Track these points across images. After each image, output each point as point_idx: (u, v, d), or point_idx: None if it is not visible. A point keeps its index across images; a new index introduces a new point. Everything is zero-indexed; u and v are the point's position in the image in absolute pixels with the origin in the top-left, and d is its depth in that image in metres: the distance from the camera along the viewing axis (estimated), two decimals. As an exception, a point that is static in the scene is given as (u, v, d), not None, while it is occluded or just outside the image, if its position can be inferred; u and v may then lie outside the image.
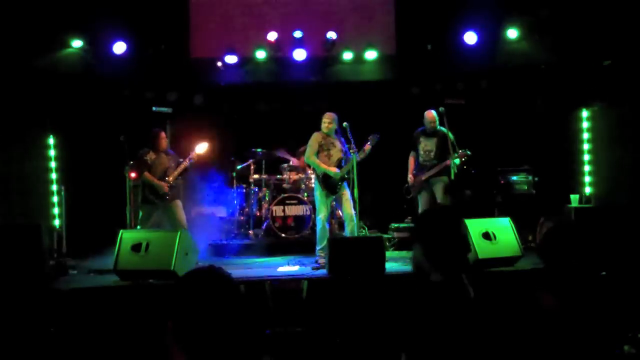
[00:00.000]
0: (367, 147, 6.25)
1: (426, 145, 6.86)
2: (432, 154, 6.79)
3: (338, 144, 6.37)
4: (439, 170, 6.68)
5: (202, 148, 6.60)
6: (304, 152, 8.29)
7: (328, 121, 6.39)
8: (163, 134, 6.63)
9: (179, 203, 6.55)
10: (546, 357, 1.97)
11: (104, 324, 4.55)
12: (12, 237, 5.33)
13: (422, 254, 2.08)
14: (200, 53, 8.26)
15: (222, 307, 1.45)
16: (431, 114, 6.82)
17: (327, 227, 6.28)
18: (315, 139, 6.45)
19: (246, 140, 8.29)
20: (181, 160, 6.59)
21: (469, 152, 6.51)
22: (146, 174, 6.39)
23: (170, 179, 6.44)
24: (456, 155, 6.44)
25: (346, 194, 6.25)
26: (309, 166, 7.11)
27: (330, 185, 6.29)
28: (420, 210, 7.00)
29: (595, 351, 1.91)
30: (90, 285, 5.20)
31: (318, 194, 6.35)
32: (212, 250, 7.27)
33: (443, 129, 6.61)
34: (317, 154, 6.40)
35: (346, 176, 6.30)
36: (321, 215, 6.25)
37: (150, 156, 6.47)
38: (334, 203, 6.49)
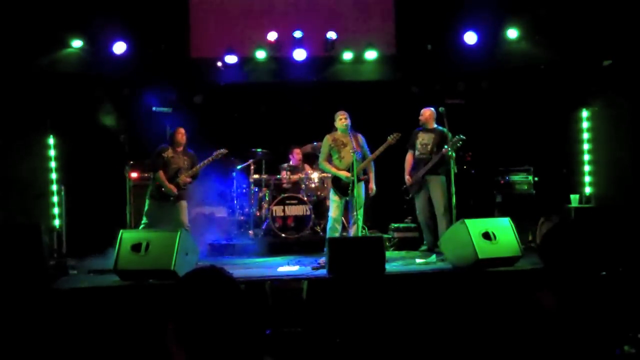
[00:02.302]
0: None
1: (423, 139, 6.92)
2: (429, 147, 6.84)
3: (350, 143, 6.29)
4: (435, 166, 6.68)
5: (219, 155, 6.60)
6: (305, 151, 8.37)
7: (344, 116, 6.39)
8: (182, 130, 6.61)
9: (183, 204, 6.55)
10: (546, 357, 1.97)
11: (104, 324, 4.55)
12: (12, 237, 5.34)
13: None
14: (200, 53, 8.26)
15: (223, 307, 1.45)
16: (427, 112, 6.95)
17: (336, 227, 6.32)
18: (325, 144, 6.51)
19: (246, 140, 8.29)
20: (198, 162, 6.62)
21: (463, 137, 6.51)
22: (160, 173, 6.41)
23: (181, 181, 6.45)
24: (450, 143, 6.43)
25: (360, 196, 6.23)
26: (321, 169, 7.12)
27: (341, 187, 6.33)
28: (418, 212, 7.00)
29: (595, 351, 1.91)
30: (90, 285, 5.20)
31: (331, 194, 6.45)
32: (212, 250, 7.28)
33: (442, 128, 6.65)
34: (330, 157, 6.46)
35: (362, 176, 6.31)
36: (331, 215, 6.37)
37: (168, 153, 6.49)
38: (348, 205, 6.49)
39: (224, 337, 1.43)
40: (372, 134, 6.74)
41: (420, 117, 7.00)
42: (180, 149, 6.59)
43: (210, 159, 6.59)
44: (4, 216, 6.81)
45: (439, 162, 6.67)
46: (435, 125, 6.94)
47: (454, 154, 6.41)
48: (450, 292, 5.04)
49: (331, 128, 6.59)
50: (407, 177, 6.99)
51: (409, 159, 7.04)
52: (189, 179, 6.55)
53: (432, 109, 6.93)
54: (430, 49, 8.11)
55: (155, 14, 7.91)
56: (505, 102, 8.19)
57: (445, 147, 6.47)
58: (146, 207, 6.49)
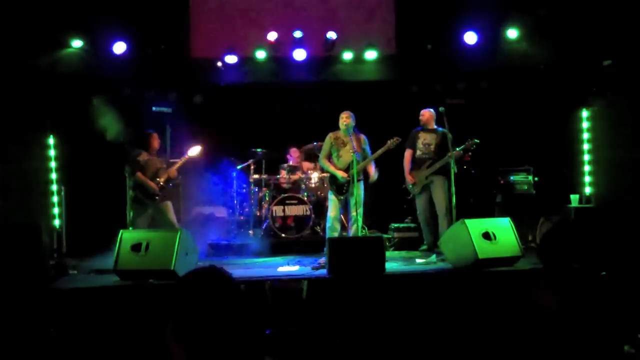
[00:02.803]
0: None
1: (425, 139, 6.89)
2: (432, 147, 6.81)
3: (350, 143, 6.30)
4: (440, 167, 6.65)
5: (194, 151, 6.60)
6: (305, 151, 8.38)
7: (346, 116, 6.42)
8: (156, 135, 6.68)
9: (169, 204, 6.57)
10: (546, 357, 1.97)
11: (104, 324, 4.55)
12: (12, 237, 5.33)
13: None
14: (200, 53, 8.26)
15: (223, 307, 1.45)
16: (427, 113, 6.94)
17: (335, 226, 6.33)
18: (326, 141, 6.58)
19: (246, 140, 8.29)
20: (172, 161, 6.66)
21: (477, 140, 6.52)
22: (139, 174, 6.43)
23: (161, 180, 6.48)
24: (463, 146, 6.47)
25: (359, 195, 6.22)
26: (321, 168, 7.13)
27: (337, 186, 6.39)
28: (419, 211, 6.97)
29: (595, 351, 1.91)
30: (90, 285, 5.20)
31: (330, 193, 6.52)
32: (212, 250, 7.28)
33: (442, 129, 6.65)
34: (330, 155, 6.52)
35: (360, 176, 6.31)
36: (329, 214, 6.40)
37: (143, 157, 6.51)
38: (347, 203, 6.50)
39: (224, 337, 1.43)
40: (372, 134, 6.74)
41: (421, 118, 7.00)
42: (154, 152, 6.62)
43: (185, 157, 6.54)
44: (4, 216, 6.80)
45: (442, 166, 6.64)
46: (435, 126, 6.95)
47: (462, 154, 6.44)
48: (450, 292, 5.04)
49: (332, 127, 6.60)
50: (408, 176, 6.95)
51: (407, 158, 7.00)
52: (170, 177, 6.53)
53: (432, 110, 6.94)
54: (430, 49, 8.11)
55: (155, 14, 7.91)
56: (505, 102, 8.18)
57: (458, 149, 6.46)
58: (131, 215, 6.42)
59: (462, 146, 6.53)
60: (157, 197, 6.45)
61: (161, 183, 6.49)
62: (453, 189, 6.14)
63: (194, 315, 1.43)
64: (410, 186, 6.93)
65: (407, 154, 7.01)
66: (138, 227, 6.36)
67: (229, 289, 1.49)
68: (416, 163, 6.91)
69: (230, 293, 1.49)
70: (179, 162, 6.60)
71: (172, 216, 6.57)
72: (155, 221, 6.52)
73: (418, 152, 6.92)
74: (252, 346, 1.47)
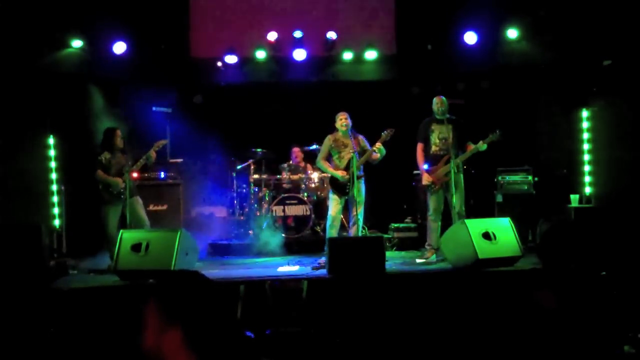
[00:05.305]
0: (378, 145, 6.17)
1: (442, 133, 6.29)
2: (449, 140, 6.22)
3: (350, 144, 6.30)
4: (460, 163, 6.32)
5: (159, 145, 6.45)
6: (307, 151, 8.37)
7: (344, 117, 6.38)
8: (118, 132, 6.45)
9: (138, 199, 6.35)
10: (546, 357, 1.97)
11: (104, 324, 4.55)
12: (12, 237, 5.34)
13: None
14: (200, 53, 8.26)
15: (206, 307, 1.45)
16: (440, 98, 6.39)
17: (335, 224, 6.32)
18: (325, 144, 6.54)
19: (246, 140, 8.29)
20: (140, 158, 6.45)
21: (499, 132, 6.15)
22: (99, 172, 6.26)
23: (127, 175, 6.23)
24: (488, 139, 6.15)
25: (360, 195, 6.17)
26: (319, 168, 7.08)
27: (339, 187, 6.32)
28: (433, 209, 6.36)
29: (595, 351, 1.91)
30: (90, 285, 5.20)
31: (330, 193, 6.46)
32: (212, 250, 7.28)
33: (453, 117, 6.37)
34: (330, 157, 6.48)
35: (360, 174, 6.25)
36: (330, 213, 6.36)
37: (105, 155, 6.35)
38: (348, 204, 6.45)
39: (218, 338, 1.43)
40: (372, 134, 6.72)
41: (439, 105, 6.35)
42: (118, 150, 6.42)
43: (151, 150, 6.36)
44: (4, 216, 6.81)
45: (469, 158, 6.34)
46: (447, 115, 6.35)
47: (485, 147, 6.19)
48: (450, 292, 5.04)
49: (331, 128, 6.59)
50: (426, 175, 6.29)
51: (420, 152, 6.41)
52: (135, 174, 6.40)
53: (442, 96, 6.45)
54: (430, 49, 8.11)
55: (155, 14, 7.91)
56: (505, 102, 8.18)
57: (483, 141, 6.13)
58: (106, 218, 6.27)
59: (488, 139, 6.16)
60: (122, 195, 6.22)
61: (126, 179, 6.22)
62: (453, 189, 6.06)
63: (183, 315, 1.44)
64: (429, 185, 6.30)
65: (419, 147, 6.42)
66: (110, 226, 6.20)
67: (207, 291, 1.50)
68: (432, 159, 6.33)
69: (209, 294, 1.49)
70: (146, 155, 6.35)
71: (142, 212, 6.33)
72: (125, 218, 6.23)
73: (434, 148, 6.32)
74: (250, 347, 1.47)
